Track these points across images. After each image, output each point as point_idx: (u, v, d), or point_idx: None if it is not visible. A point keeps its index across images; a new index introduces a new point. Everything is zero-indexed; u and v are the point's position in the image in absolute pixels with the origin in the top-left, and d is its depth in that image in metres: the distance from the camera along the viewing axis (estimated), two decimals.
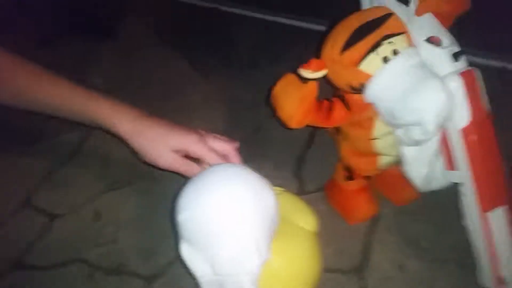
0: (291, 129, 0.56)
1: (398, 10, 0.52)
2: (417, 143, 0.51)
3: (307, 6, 1.02)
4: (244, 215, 0.46)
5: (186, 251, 0.48)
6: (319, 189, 0.73)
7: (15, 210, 0.73)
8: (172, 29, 1.06)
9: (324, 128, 0.68)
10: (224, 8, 1.09)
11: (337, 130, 0.63)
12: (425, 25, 0.51)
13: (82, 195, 0.74)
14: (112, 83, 0.91)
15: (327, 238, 0.61)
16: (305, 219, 0.56)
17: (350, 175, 0.66)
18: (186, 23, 1.07)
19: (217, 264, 0.46)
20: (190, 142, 0.59)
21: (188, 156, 0.61)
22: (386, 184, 0.70)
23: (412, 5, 0.51)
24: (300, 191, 0.73)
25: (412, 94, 0.47)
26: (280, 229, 0.50)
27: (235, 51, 0.99)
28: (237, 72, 0.94)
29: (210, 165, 0.59)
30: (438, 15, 0.50)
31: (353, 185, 0.67)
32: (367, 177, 0.66)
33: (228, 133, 0.82)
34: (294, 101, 0.53)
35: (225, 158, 0.61)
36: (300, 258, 0.53)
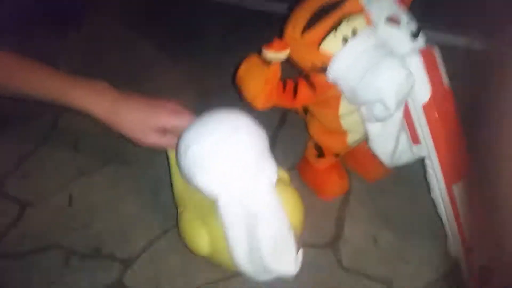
0: (260, 110, 0.56)
1: None
2: (380, 119, 0.52)
3: None
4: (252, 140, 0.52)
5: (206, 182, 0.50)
6: (291, 168, 0.74)
7: None
8: (140, 17, 1.05)
9: (294, 108, 0.69)
10: None
11: (306, 109, 0.64)
12: (384, 6, 0.52)
13: (54, 181, 0.74)
14: (79, 73, 0.89)
15: None
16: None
17: (321, 153, 0.67)
18: (154, 10, 1.06)
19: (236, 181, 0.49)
20: (169, 119, 0.60)
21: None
22: (357, 161, 0.72)
23: None
24: None
25: (372, 73, 0.48)
26: None
27: (204, 36, 0.98)
28: (207, 57, 0.93)
29: None
30: None
31: (324, 162, 0.68)
32: (337, 155, 0.68)
33: (199, 114, 0.84)
34: (258, 82, 0.53)
35: None
36: (288, 199, 0.56)
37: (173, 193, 0.63)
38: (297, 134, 0.75)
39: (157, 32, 1.00)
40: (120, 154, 0.76)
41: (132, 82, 0.88)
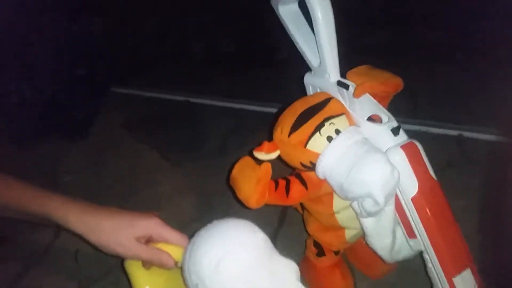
0: (254, 208, 0.57)
1: (339, 94, 0.57)
2: (372, 214, 0.52)
3: (269, 93, 1.09)
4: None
5: None
6: None
7: None
8: (144, 124, 1.11)
9: (291, 206, 0.69)
10: (193, 99, 1.15)
11: (302, 207, 0.64)
12: (365, 106, 0.55)
13: None
14: (82, 180, 0.93)
15: None
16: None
17: (320, 251, 0.66)
18: (157, 117, 1.14)
19: None
20: (151, 226, 0.58)
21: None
22: (359, 258, 0.71)
23: (351, 89, 0.55)
24: None
25: (358, 168, 0.50)
26: None
27: (205, 139, 1.03)
28: (206, 159, 0.97)
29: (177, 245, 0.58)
30: (375, 96, 0.55)
31: (325, 261, 0.67)
32: (337, 252, 0.66)
33: (199, 220, 0.84)
34: (250, 182, 0.55)
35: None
36: None
37: None
38: (297, 233, 0.75)
39: (160, 139, 1.05)
40: (118, 262, 0.75)
41: (132, 188, 0.91)
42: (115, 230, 0.57)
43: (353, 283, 0.68)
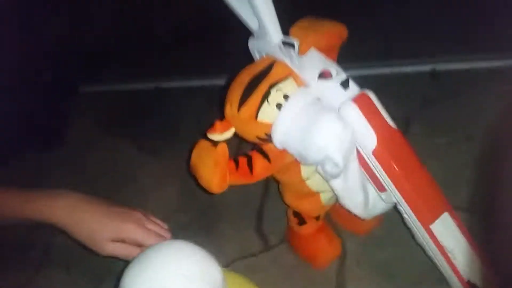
0: (218, 193, 0.55)
1: (287, 55, 0.53)
2: (335, 175, 0.50)
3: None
4: None
5: None
6: (282, 240, 0.72)
7: None
8: (117, 119, 1.09)
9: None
10: (164, 85, 1.12)
11: (275, 178, 0.63)
12: (313, 63, 0.52)
13: None
14: (64, 187, 0.91)
15: None
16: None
17: (301, 219, 0.65)
18: (129, 109, 1.11)
19: None
20: (127, 231, 0.59)
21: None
22: (344, 218, 0.69)
23: (297, 47, 0.52)
24: (265, 247, 0.72)
25: (310, 133, 0.47)
26: None
27: (179, 123, 1.00)
28: (184, 143, 0.94)
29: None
30: (321, 50, 0.51)
31: (307, 228, 0.65)
32: (318, 217, 0.65)
33: (184, 208, 0.83)
34: (209, 166, 0.53)
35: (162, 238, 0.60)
36: None
37: None
38: (283, 204, 0.73)
39: (136, 131, 1.02)
40: (112, 272, 0.75)
41: (115, 185, 0.90)
42: (94, 231, 0.59)
43: (340, 244, 0.67)
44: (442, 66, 0.90)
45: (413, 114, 0.82)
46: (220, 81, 1.06)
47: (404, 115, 0.82)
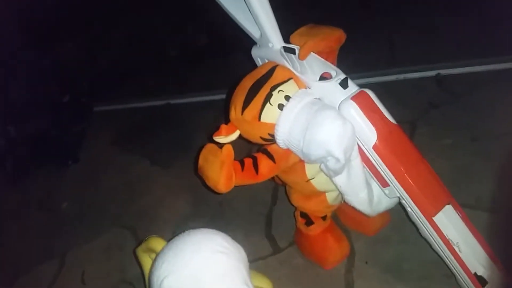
0: (224, 192, 0.57)
1: (288, 60, 0.56)
2: (338, 171, 0.52)
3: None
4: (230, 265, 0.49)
5: None
6: (291, 243, 0.73)
7: None
8: (130, 136, 1.12)
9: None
10: (173, 101, 1.16)
11: (282, 181, 0.64)
12: (314, 65, 0.54)
13: None
14: (80, 203, 0.95)
15: None
16: (262, 281, 0.58)
17: (308, 219, 0.66)
18: (142, 126, 1.14)
19: None
20: None
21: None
22: (352, 218, 0.70)
23: (298, 52, 0.54)
24: (275, 250, 0.73)
25: (310, 131, 0.49)
26: None
27: (190, 136, 1.03)
28: (195, 156, 0.97)
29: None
30: (321, 53, 0.54)
31: (315, 229, 0.66)
32: (325, 217, 0.66)
33: (195, 214, 0.85)
34: (215, 167, 0.55)
35: None
36: None
37: None
38: (291, 208, 0.75)
39: (148, 147, 1.06)
40: (127, 282, 0.77)
41: (129, 200, 0.92)
42: None
43: (348, 244, 0.68)
44: (446, 71, 0.92)
45: (420, 117, 0.84)
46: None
47: (411, 118, 0.83)
